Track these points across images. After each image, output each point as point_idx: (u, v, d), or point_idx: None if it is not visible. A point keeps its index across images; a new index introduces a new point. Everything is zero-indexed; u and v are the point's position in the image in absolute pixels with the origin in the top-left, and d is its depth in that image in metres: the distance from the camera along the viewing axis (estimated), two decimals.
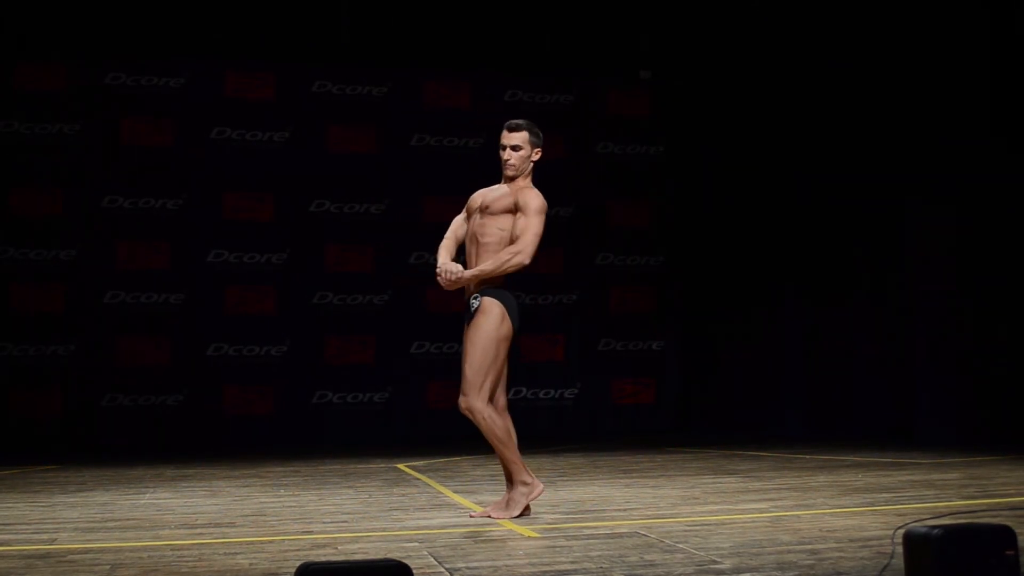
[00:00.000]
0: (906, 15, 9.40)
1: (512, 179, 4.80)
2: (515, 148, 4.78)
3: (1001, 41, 8.67)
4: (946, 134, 9.11)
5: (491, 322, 4.64)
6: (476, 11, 11.36)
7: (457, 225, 4.97)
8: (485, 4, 11.20)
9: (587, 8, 11.51)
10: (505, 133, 4.81)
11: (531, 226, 4.65)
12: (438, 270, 4.77)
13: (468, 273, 4.70)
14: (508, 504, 4.73)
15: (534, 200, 4.71)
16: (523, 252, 4.63)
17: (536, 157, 4.82)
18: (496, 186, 4.86)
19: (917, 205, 9.45)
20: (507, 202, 4.73)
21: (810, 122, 10.69)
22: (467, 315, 4.72)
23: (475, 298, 4.68)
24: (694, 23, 11.75)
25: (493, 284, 4.71)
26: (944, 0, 9.07)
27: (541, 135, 4.86)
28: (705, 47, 11.94)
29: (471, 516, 4.83)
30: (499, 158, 4.83)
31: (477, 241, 4.76)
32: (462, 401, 4.64)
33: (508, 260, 4.63)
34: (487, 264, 4.66)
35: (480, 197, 4.87)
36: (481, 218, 4.76)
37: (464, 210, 4.96)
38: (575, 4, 11.49)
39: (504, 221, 4.71)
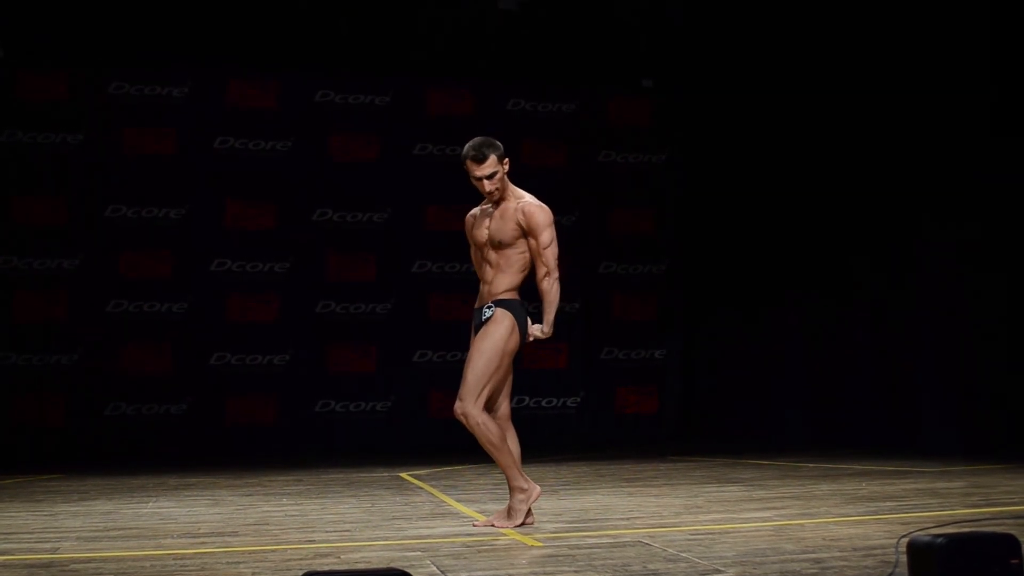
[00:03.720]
0: (908, 19, 9.41)
1: (496, 201, 4.76)
2: (490, 177, 4.67)
3: (1003, 43, 8.66)
4: (949, 140, 9.11)
5: (501, 332, 4.64)
6: (478, 20, 11.39)
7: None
8: (487, 14, 11.22)
9: (589, 17, 11.53)
10: (473, 166, 4.66)
11: (544, 244, 4.66)
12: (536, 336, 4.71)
13: (548, 328, 4.69)
14: (510, 513, 4.73)
15: (540, 217, 4.67)
16: (552, 272, 4.65)
17: (507, 167, 4.75)
18: (489, 209, 4.79)
19: (921, 213, 9.45)
20: (515, 231, 4.67)
21: (812, 129, 10.69)
22: (476, 322, 4.72)
23: (489, 307, 4.68)
24: (695, 32, 11.77)
25: (508, 294, 4.70)
26: (946, 6, 9.08)
27: (499, 143, 4.74)
28: (706, 55, 11.95)
29: (474, 525, 4.82)
30: (475, 188, 4.77)
31: (500, 267, 4.71)
32: (458, 406, 4.62)
33: (554, 290, 4.65)
34: (549, 312, 4.65)
35: (483, 230, 4.75)
36: (498, 251, 4.71)
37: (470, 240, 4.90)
38: (577, 13, 11.51)
39: (522, 244, 4.71)
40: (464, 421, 4.62)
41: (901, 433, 9.48)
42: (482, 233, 4.78)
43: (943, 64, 9.15)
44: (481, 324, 4.68)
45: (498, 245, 4.70)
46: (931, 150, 9.28)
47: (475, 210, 4.91)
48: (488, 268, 4.75)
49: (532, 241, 4.67)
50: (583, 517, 5.10)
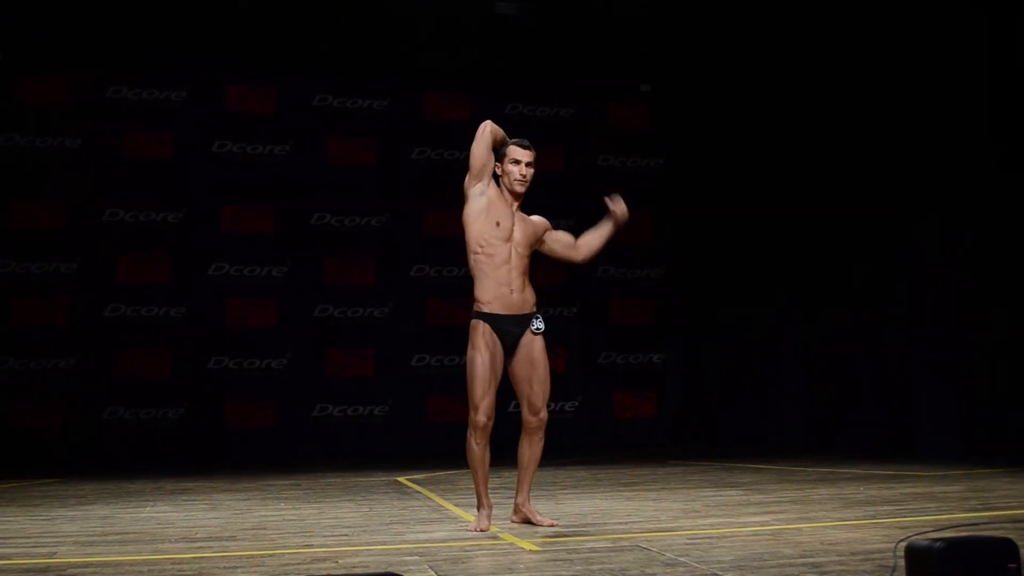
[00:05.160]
0: (909, 25, 9.43)
1: (520, 195, 4.91)
2: (529, 165, 4.91)
3: (1002, 52, 8.68)
4: (947, 146, 9.12)
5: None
6: (476, 24, 11.39)
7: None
8: (485, 18, 11.23)
9: (587, 21, 11.54)
10: (521, 150, 4.90)
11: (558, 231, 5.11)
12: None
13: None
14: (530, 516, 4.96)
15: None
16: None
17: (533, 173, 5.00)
18: (508, 201, 4.90)
19: (918, 217, 9.45)
20: (531, 234, 4.96)
21: (811, 134, 10.70)
22: (518, 328, 4.83)
23: (538, 317, 4.90)
24: (694, 36, 11.78)
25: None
26: (945, 13, 9.09)
27: None
28: (705, 59, 11.96)
29: (469, 530, 4.84)
30: (506, 172, 4.86)
31: (526, 276, 4.90)
32: (545, 414, 4.86)
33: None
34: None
35: (508, 223, 4.84)
36: (525, 254, 4.89)
37: (480, 176, 4.87)
38: (575, 17, 11.52)
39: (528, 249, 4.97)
40: (543, 427, 4.86)
41: (899, 437, 9.48)
42: (509, 228, 4.83)
43: (942, 69, 9.16)
44: (525, 332, 4.83)
45: (528, 248, 4.90)
46: (928, 152, 9.29)
47: (496, 190, 4.93)
48: (515, 273, 4.84)
49: (559, 233, 5.06)
50: (581, 521, 5.10)
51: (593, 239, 5.10)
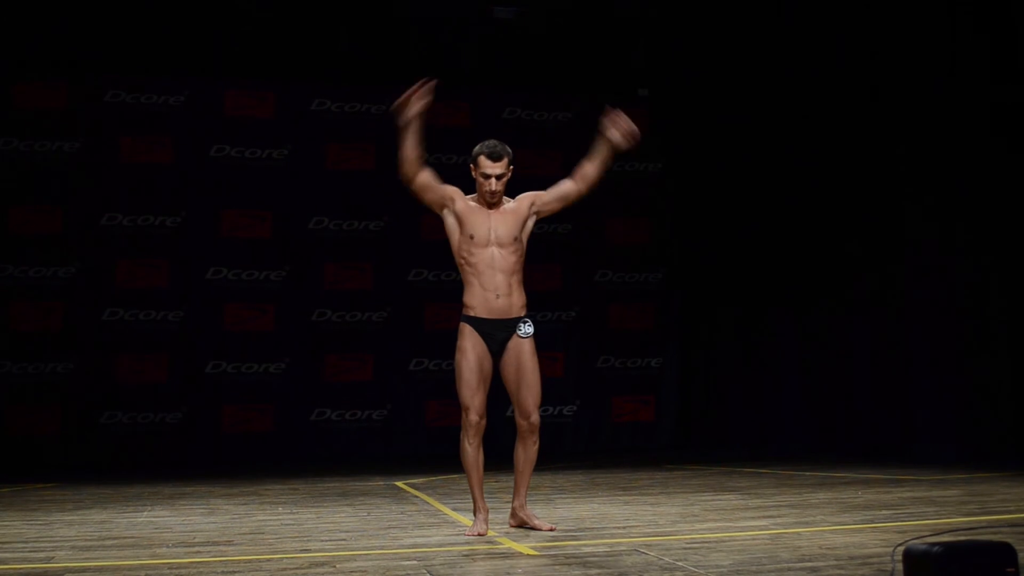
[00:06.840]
0: (906, 21, 9.44)
1: (493, 206, 4.85)
2: (499, 177, 4.81)
3: (1000, 39, 8.66)
4: (946, 149, 9.13)
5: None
6: (474, 29, 11.40)
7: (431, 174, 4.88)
8: (484, 23, 11.24)
9: (586, 26, 11.55)
10: (488, 162, 4.79)
11: (554, 188, 5.02)
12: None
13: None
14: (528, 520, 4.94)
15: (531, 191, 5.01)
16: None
17: (511, 174, 4.90)
18: (480, 209, 4.84)
19: (917, 221, 9.46)
20: (515, 226, 4.85)
21: (809, 137, 10.72)
22: (503, 333, 4.80)
23: (525, 321, 4.85)
24: (692, 40, 11.79)
25: (526, 309, 4.89)
26: (944, 9, 9.10)
27: (511, 150, 4.91)
28: (703, 63, 11.97)
29: (466, 534, 4.83)
30: (478, 183, 4.83)
31: (514, 277, 4.83)
32: (536, 418, 4.81)
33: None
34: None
35: (485, 230, 4.78)
36: (512, 253, 4.82)
37: (442, 192, 4.84)
38: (573, 22, 11.53)
39: (522, 244, 4.89)
40: (536, 431, 4.83)
41: (898, 441, 9.48)
42: (485, 234, 4.79)
43: (941, 65, 9.16)
44: (512, 336, 4.80)
45: (501, 243, 4.79)
46: (927, 156, 9.30)
47: (468, 198, 4.89)
48: (500, 277, 4.79)
49: (552, 192, 4.97)
50: (579, 526, 5.10)
51: (590, 171, 4.99)
